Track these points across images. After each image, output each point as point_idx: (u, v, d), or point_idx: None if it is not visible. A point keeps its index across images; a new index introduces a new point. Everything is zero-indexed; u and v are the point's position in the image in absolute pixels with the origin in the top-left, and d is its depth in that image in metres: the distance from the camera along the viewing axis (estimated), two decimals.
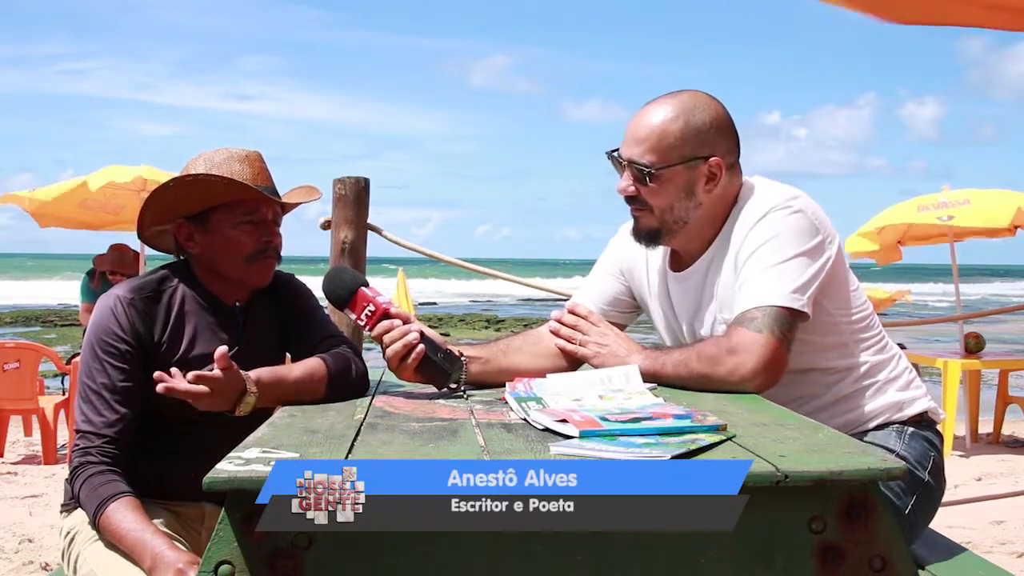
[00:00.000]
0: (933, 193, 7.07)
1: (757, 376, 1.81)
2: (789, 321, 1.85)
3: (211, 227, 2.03)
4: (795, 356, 1.88)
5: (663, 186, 1.98)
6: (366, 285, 1.91)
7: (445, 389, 1.93)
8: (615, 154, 2.03)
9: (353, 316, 1.90)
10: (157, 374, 1.74)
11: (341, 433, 1.46)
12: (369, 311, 1.88)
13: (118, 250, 6.65)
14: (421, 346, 1.87)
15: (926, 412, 2.06)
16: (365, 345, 3.72)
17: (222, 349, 1.75)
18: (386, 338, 1.88)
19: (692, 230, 2.03)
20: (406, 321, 1.90)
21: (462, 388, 1.95)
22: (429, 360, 1.89)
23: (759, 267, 1.90)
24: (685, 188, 1.99)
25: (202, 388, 1.73)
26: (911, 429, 2.02)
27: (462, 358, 1.97)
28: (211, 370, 1.76)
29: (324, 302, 2.08)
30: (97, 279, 6.80)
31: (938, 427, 2.10)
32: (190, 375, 1.74)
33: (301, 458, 1.27)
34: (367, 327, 1.89)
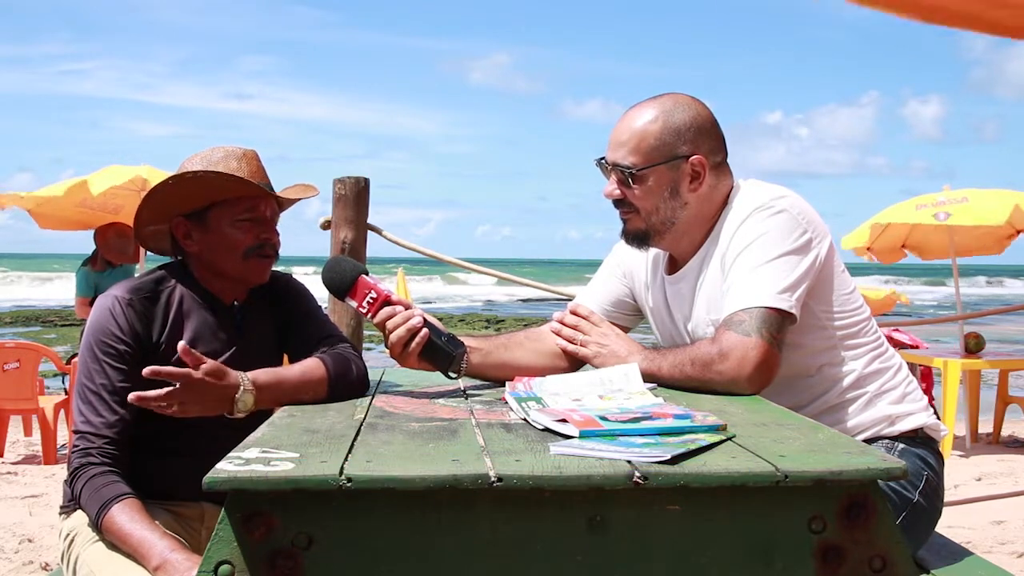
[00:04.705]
0: (933, 193, 7.07)
1: (749, 379, 1.81)
2: (778, 322, 1.84)
3: (209, 224, 2.03)
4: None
5: (647, 187, 1.99)
6: (366, 273, 1.90)
7: (449, 375, 1.94)
8: (602, 161, 2.04)
9: (354, 304, 1.89)
10: (131, 396, 1.71)
11: (341, 433, 1.46)
12: (371, 298, 1.88)
13: (122, 234, 6.55)
14: (425, 330, 1.87)
15: (922, 428, 2.01)
16: (365, 345, 3.72)
17: (182, 344, 1.72)
18: (389, 324, 1.87)
19: (680, 231, 2.03)
20: (407, 308, 1.90)
21: (462, 389, 1.95)
22: (433, 344, 1.89)
23: (745, 268, 1.89)
24: (670, 188, 1.99)
25: (162, 391, 1.70)
26: (902, 445, 1.97)
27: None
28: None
29: (324, 293, 2.07)
30: (100, 263, 6.75)
31: (938, 445, 2.04)
32: (145, 371, 1.70)
33: (301, 458, 1.27)
34: (369, 314, 1.89)
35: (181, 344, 1.72)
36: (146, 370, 1.70)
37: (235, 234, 2.02)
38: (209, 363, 1.74)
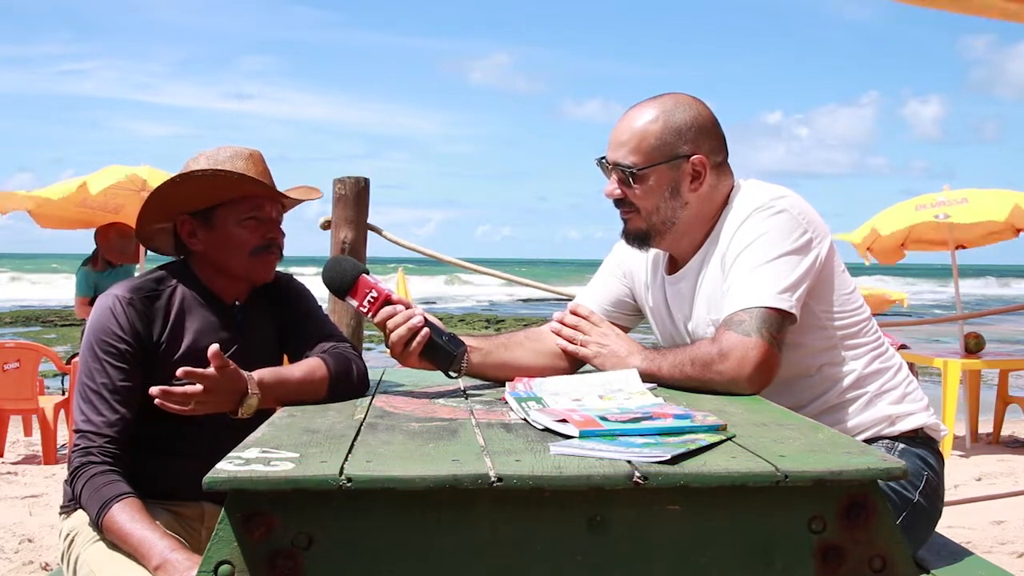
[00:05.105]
0: (933, 193, 7.08)
1: (749, 379, 1.81)
2: (778, 322, 1.84)
3: (215, 223, 2.03)
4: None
5: (648, 186, 1.99)
6: (367, 273, 1.91)
7: (449, 375, 1.94)
8: (603, 160, 2.04)
9: (355, 303, 1.89)
10: (153, 389, 1.70)
11: (341, 433, 1.46)
12: (372, 297, 1.88)
13: (123, 234, 6.55)
14: (426, 329, 1.87)
15: (922, 428, 2.01)
16: (365, 345, 3.72)
17: (214, 347, 1.72)
18: (390, 323, 1.87)
19: (681, 231, 2.03)
20: (408, 308, 1.90)
21: (462, 389, 1.95)
22: (434, 343, 1.89)
23: (745, 268, 1.89)
24: (670, 188, 1.99)
25: (196, 388, 1.71)
26: (902, 445, 1.97)
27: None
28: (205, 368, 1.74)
29: (324, 293, 2.07)
30: (100, 263, 6.75)
31: (938, 445, 2.04)
32: (179, 371, 1.71)
33: (301, 458, 1.27)
34: (369, 313, 1.89)
35: (213, 347, 1.72)
36: (180, 371, 1.71)
37: (241, 233, 2.03)
38: (232, 366, 1.75)
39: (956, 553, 2.00)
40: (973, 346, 7.09)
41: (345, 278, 1.89)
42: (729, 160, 2.06)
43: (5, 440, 6.51)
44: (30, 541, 4.25)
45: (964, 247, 7.71)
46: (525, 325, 7.25)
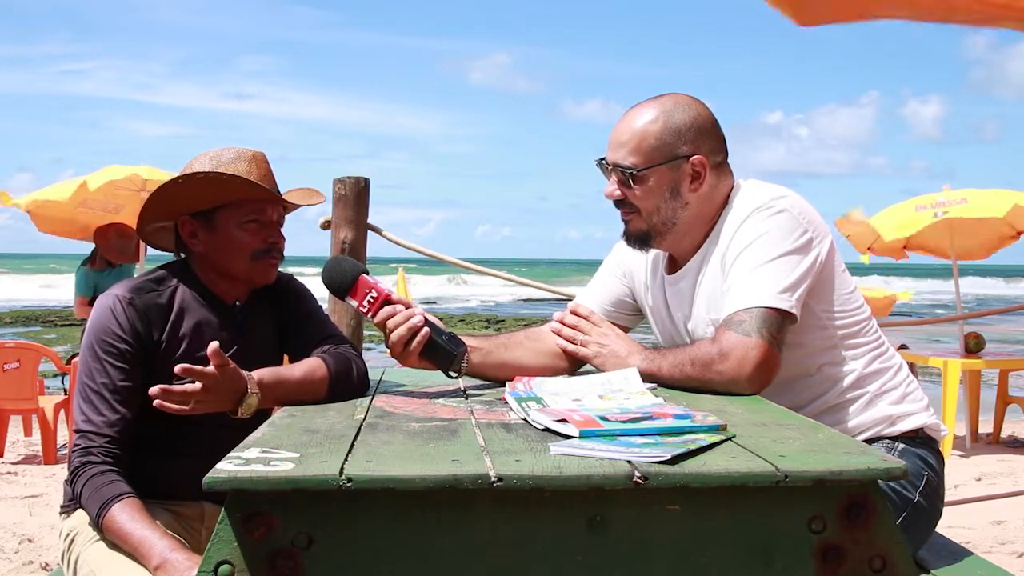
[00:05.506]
0: (933, 193, 7.07)
1: (749, 379, 1.81)
2: (778, 322, 1.84)
3: (216, 225, 2.03)
4: None
5: (648, 187, 1.99)
6: (366, 273, 1.91)
7: (449, 375, 1.94)
8: (602, 161, 2.04)
9: (355, 303, 1.89)
10: (153, 389, 1.70)
11: (341, 433, 1.46)
12: (371, 297, 1.88)
13: (123, 234, 6.55)
14: (426, 329, 1.87)
15: (922, 428, 2.00)
16: (365, 345, 3.72)
17: (214, 345, 1.72)
18: (390, 323, 1.87)
19: (681, 231, 2.03)
20: (408, 307, 1.90)
21: (462, 389, 1.95)
22: (434, 343, 1.89)
23: (745, 268, 1.89)
24: (670, 188, 1.99)
25: (195, 386, 1.71)
26: (902, 445, 1.97)
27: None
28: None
29: (324, 293, 2.07)
30: (100, 262, 6.74)
31: (938, 445, 2.04)
32: (178, 368, 1.70)
33: (301, 458, 1.27)
34: (369, 313, 1.89)
35: (213, 345, 1.72)
36: (179, 368, 1.71)
37: (242, 236, 2.03)
38: (231, 365, 1.75)
39: (956, 553, 2.00)
40: (973, 346, 7.09)
41: (345, 278, 1.89)
42: (729, 160, 2.06)
43: (5, 440, 6.50)
44: (30, 541, 4.25)
45: (966, 259, 7.69)
46: (525, 325, 7.24)
